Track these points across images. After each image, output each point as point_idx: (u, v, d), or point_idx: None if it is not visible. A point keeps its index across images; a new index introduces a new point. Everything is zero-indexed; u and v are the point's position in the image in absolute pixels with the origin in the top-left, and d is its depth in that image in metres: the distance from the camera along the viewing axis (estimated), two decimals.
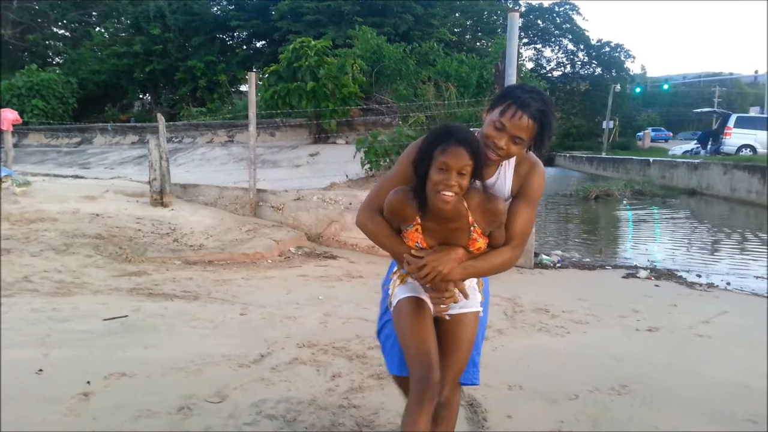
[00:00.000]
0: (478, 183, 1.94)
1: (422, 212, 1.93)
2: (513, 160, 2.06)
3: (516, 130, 1.89)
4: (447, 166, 1.82)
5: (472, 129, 2.04)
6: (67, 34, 29.00)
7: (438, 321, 2.09)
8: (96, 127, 18.02)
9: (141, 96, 27.14)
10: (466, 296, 2.03)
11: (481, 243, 1.97)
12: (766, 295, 5.82)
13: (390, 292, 2.17)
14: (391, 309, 2.13)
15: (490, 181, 2.06)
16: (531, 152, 2.08)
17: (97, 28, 27.80)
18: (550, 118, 1.92)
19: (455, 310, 2.07)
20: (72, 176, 11.01)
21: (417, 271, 1.94)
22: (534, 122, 1.89)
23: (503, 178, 2.07)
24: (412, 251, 1.98)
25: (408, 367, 2.01)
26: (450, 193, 1.83)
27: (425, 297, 2.08)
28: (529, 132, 1.90)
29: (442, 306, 2.02)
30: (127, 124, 19.67)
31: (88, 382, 3.18)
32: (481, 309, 2.15)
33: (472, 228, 1.93)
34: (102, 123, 19.17)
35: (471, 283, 2.13)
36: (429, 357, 1.96)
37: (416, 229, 1.97)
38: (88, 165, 13.46)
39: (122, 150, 15.25)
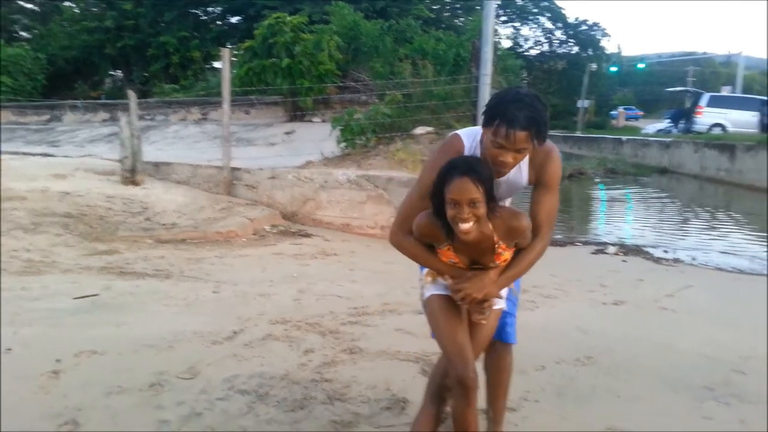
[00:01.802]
0: (501, 199, 2.07)
1: (450, 235, 2.00)
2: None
3: (515, 145, 1.93)
4: (456, 201, 1.88)
5: (471, 129, 2.14)
6: (36, 8, 28.13)
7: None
8: (66, 104, 17.60)
9: (112, 72, 26.50)
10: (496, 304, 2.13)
11: (507, 255, 2.05)
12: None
13: (421, 285, 2.26)
14: (422, 300, 2.24)
15: (506, 177, 2.10)
16: None
17: (67, 3, 27.01)
18: (541, 116, 1.94)
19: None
20: (41, 154, 10.76)
21: (455, 294, 2.04)
22: (528, 132, 1.91)
23: (518, 171, 2.12)
24: (449, 276, 2.09)
25: (448, 366, 2.12)
26: (467, 225, 1.89)
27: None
28: (528, 141, 1.94)
29: (478, 317, 2.13)
30: (98, 101, 19.25)
31: (58, 360, 3.17)
32: (504, 306, 2.24)
33: (497, 246, 2.00)
34: (72, 100, 18.74)
35: None
36: (465, 357, 2.06)
37: (448, 248, 2.04)
38: (58, 143, 13.18)
39: (93, 128, 14.95)
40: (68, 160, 9.60)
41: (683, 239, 8.19)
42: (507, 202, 2.34)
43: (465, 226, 1.89)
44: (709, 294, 5.04)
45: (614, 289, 4.97)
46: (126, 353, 3.34)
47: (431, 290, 2.18)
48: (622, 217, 11.02)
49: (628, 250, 6.72)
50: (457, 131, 2.22)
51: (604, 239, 7.70)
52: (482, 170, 1.91)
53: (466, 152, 2.10)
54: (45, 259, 5.18)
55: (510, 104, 1.92)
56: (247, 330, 3.78)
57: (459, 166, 1.91)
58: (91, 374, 3.05)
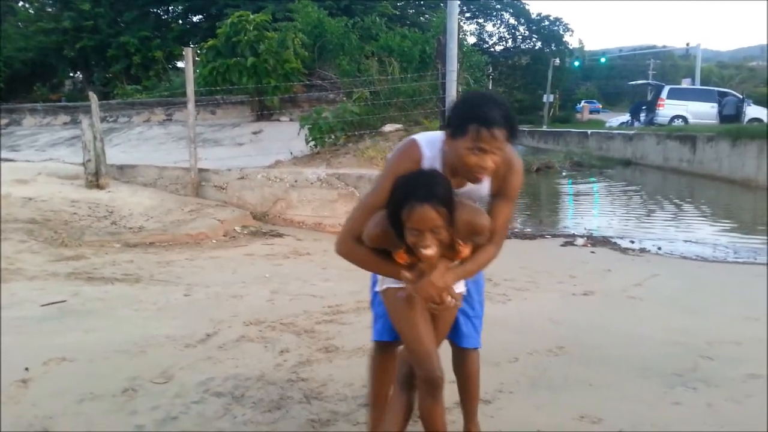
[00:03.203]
0: (462, 195, 1.98)
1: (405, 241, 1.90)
2: None
3: (494, 145, 1.87)
4: (417, 230, 1.80)
5: (429, 136, 2.06)
6: None
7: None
8: (25, 108, 17.15)
9: (72, 74, 25.90)
10: (456, 297, 2.02)
11: (466, 251, 1.99)
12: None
13: (379, 278, 2.18)
14: (379, 291, 2.17)
15: (469, 187, 2.05)
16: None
17: (21, 3, 26.26)
18: (513, 114, 1.93)
19: None
20: (1, 159, 10.48)
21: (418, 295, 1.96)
22: (503, 129, 1.88)
23: (481, 185, 2.07)
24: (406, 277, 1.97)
25: (413, 365, 2.09)
26: (430, 252, 1.83)
27: None
28: (503, 141, 1.90)
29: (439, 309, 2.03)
30: (58, 103, 18.80)
31: (27, 369, 3.10)
32: (464, 289, 2.18)
33: (457, 244, 1.95)
34: (31, 103, 18.26)
35: None
36: (430, 356, 2.02)
37: (404, 250, 1.96)
38: (18, 147, 12.84)
39: (54, 131, 14.60)
40: (30, 164, 9.37)
41: (649, 230, 8.38)
42: None
43: (428, 252, 1.82)
44: (676, 282, 5.17)
45: (583, 280, 5.07)
46: (97, 360, 3.28)
47: (387, 282, 2.10)
48: (590, 209, 11.23)
49: (596, 241, 6.85)
50: (414, 137, 2.12)
51: (573, 231, 7.84)
52: (442, 192, 1.82)
53: (426, 163, 2.01)
54: (10, 266, 5.05)
55: (481, 106, 1.88)
56: (221, 332, 3.74)
57: (418, 191, 1.80)
58: (62, 382, 2.99)
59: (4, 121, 16.69)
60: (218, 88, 11.53)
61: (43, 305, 4.13)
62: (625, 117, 30.29)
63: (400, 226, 1.85)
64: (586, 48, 55.75)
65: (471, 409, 2.46)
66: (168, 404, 2.79)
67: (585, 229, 8.12)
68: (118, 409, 2.74)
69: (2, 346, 3.43)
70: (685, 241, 7.28)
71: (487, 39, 41.84)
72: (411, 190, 1.82)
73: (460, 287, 2.13)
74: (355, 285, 4.85)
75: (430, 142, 2.04)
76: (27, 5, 25.75)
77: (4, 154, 11.44)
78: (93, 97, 8.27)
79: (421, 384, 2.07)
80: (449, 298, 1.97)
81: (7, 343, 3.47)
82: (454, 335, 2.31)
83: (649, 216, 9.90)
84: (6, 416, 2.65)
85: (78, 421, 2.63)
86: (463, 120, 1.89)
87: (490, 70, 34.48)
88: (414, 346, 2.06)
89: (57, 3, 23.96)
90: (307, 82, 12.61)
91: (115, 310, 4.14)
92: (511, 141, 1.94)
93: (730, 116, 21.46)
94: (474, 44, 33.46)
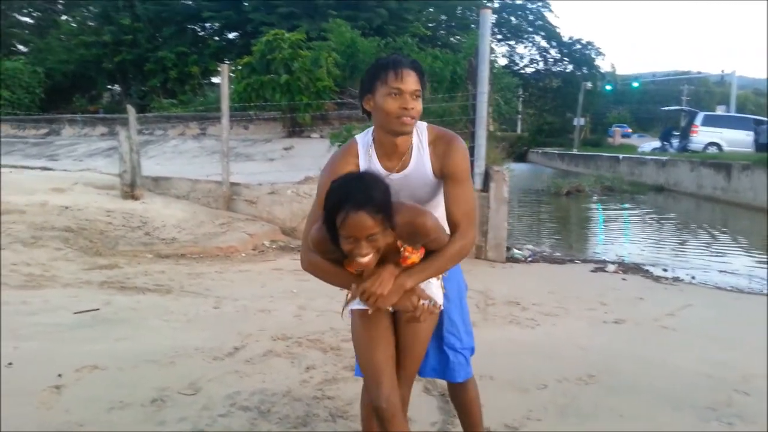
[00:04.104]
0: (405, 179, 1.94)
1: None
2: (425, 141, 2.02)
3: (409, 85, 1.88)
4: (352, 237, 1.68)
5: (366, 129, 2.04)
6: (33, 22, 28.27)
7: (396, 316, 2.03)
8: (64, 118, 17.66)
9: (110, 87, 26.63)
10: (426, 298, 1.91)
11: (415, 257, 1.87)
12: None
13: (346, 299, 2.08)
14: (347, 313, 2.08)
15: (409, 169, 2.01)
16: (443, 128, 2.07)
17: (64, 17, 27.17)
18: (420, 64, 1.96)
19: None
20: (40, 168, 10.77)
21: (362, 298, 1.83)
22: (415, 71, 1.91)
23: (421, 163, 2.01)
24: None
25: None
26: (367, 259, 1.72)
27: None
28: (418, 83, 1.91)
29: (416, 316, 1.91)
30: (97, 115, 19.30)
31: (60, 375, 3.16)
32: (439, 303, 2.05)
33: (402, 249, 1.84)
34: (70, 114, 18.78)
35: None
36: (379, 383, 1.91)
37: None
38: (57, 157, 13.19)
39: (91, 142, 14.97)
40: (67, 174, 9.61)
41: (682, 258, 8.21)
42: (438, 208, 2.07)
43: (364, 260, 1.71)
44: (710, 313, 5.05)
45: (614, 307, 4.98)
46: (127, 368, 3.33)
47: (354, 304, 1.99)
48: (621, 235, 11.05)
49: (628, 268, 6.73)
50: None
51: (603, 257, 7.72)
52: (379, 196, 1.69)
53: (360, 149, 2.02)
54: (45, 273, 5.17)
55: (385, 59, 1.94)
56: (248, 346, 3.77)
57: (352, 196, 1.66)
58: (93, 389, 3.04)
59: (44, 130, 17.19)
60: (252, 104, 11.71)
61: (76, 313, 4.22)
62: (659, 142, 29.90)
63: (335, 232, 1.73)
64: (618, 72, 55.27)
65: None
66: (195, 416, 2.81)
67: (616, 255, 7.99)
68: (146, 419, 2.77)
69: (37, 351, 3.50)
70: (720, 271, 7.10)
71: (518, 61, 41.78)
72: (345, 196, 1.68)
73: (438, 299, 2.02)
74: None
75: (363, 134, 2.07)
76: (70, 19, 26.63)
77: (43, 163, 11.76)
78: (131, 109, 8.48)
79: (373, 411, 1.95)
80: (421, 301, 1.85)
81: (41, 349, 3.54)
82: (446, 373, 2.20)
83: (682, 244, 9.70)
84: (38, 422, 2.70)
85: (107, 430, 2.67)
86: (372, 76, 1.93)
87: (521, 92, 34.46)
88: (364, 369, 1.98)
89: (99, 17, 24.72)
90: (339, 100, 12.74)
91: (146, 320, 4.20)
92: (423, 88, 1.92)
93: (767, 145, 21.02)
94: (505, 66, 33.46)
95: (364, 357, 1.98)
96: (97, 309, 4.32)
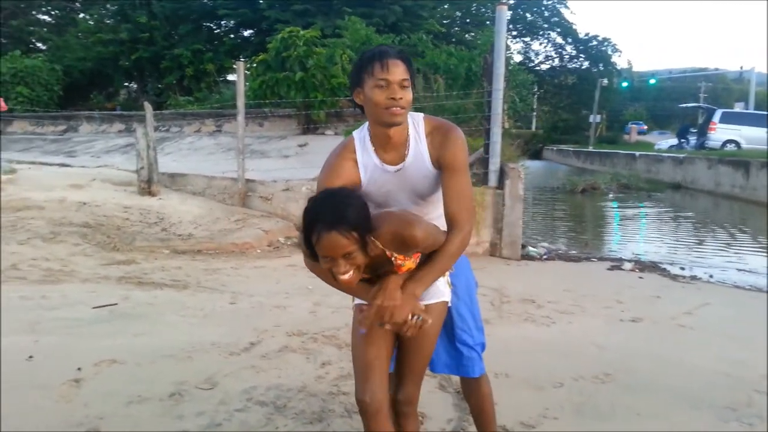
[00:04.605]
0: (403, 171, 1.92)
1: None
2: (422, 132, 1.98)
3: (396, 75, 1.86)
4: (328, 256, 1.67)
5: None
6: (51, 20, 28.59)
7: None
8: (82, 115, 17.83)
9: (127, 84, 26.88)
10: (418, 312, 1.84)
11: (409, 264, 1.84)
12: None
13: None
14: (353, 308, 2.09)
15: (408, 161, 1.97)
16: (441, 119, 2.04)
17: (82, 15, 27.44)
18: (406, 53, 1.93)
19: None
20: (58, 164, 10.90)
21: (375, 320, 1.81)
22: (401, 61, 1.88)
23: (419, 155, 1.97)
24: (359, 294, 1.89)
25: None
26: (347, 277, 1.70)
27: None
28: (405, 72, 1.88)
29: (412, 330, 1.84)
30: (114, 112, 19.49)
31: (79, 369, 3.20)
32: (445, 300, 2.04)
33: (393, 259, 1.80)
34: (88, 111, 18.98)
35: None
36: (366, 378, 1.89)
37: None
38: (74, 153, 13.33)
39: (108, 138, 15.12)
40: (85, 170, 9.71)
41: (700, 256, 8.13)
42: (436, 204, 2.07)
43: (344, 277, 1.70)
44: (728, 312, 4.99)
45: (631, 306, 4.94)
46: (145, 363, 3.36)
47: (358, 300, 2.01)
48: (637, 232, 10.96)
49: (644, 266, 6.67)
50: None
51: (620, 255, 7.65)
52: (352, 214, 1.67)
53: (357, 144, 1.99)
54: (64, 269, 5.24)
55: (374, 50, 1.91)
56: (264, 341, 3.79)
57: (324, 215, 1.65)
58: (112, 383, 3.08)
59: (62, 127, 17.38)
60: (267, 101, 11.75)
61: (94, 307, 4.27)
62: (675, 140, 29.57)
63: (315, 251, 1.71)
64: (635, 69, 54.83)
65: None
66: (212, 411, 2.83)
67: (632, 253, 7.93)
68: (164, 413, 2.80)
69: (56, 345, 3.55)
70: (739, 270, 7.02)
71: (533, 57, 41.57)
72: (315, 216, 1.68)
73: (436, 297, 1.99)
74: None
75: (360, 129, 2.04)
76: (88, 17, 26.90)
77: (61, 160, 11.90)
78: (148, 106, 8.54)
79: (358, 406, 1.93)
80: (412, 317, 1.81)
81: (60, 343, 3.59)
82: (459, 368, 2.20)
83: (700, 242, 9.60)
84: (58, 415, 2.74)
85: (126, 423, 2.70)
86: (359, 69, 1.91)
87: (536, 89, 34.25)
88: (355, 364, 1.97)
89: (116, 15, 24.95)
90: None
91: (164, 315, 4.24)
92: (412, 76, 1.89)
93: None
94: (520, 63, 33.28)
95: (356, 351, 1.98)
96: (115, 304, 4.37)
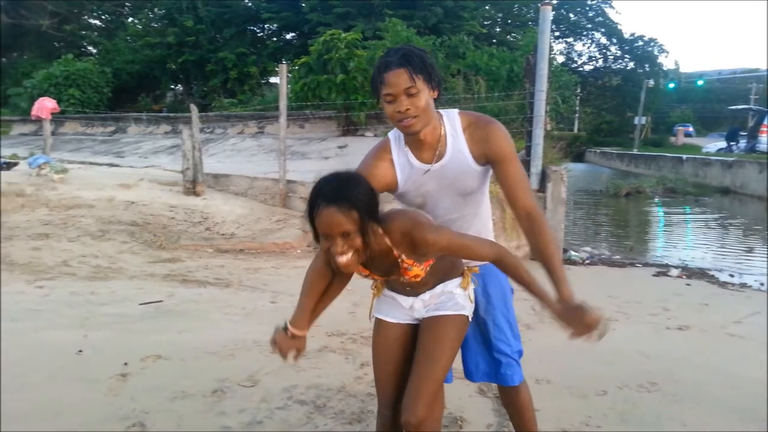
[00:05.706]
0: (442, 170, 1.91)
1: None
2: (459, 128, 1.94)
3: (398, 87, 1.80)
4: (326, 234, 1.66)
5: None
6: (102, 24, 29.51)
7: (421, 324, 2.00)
8: (130, 117, 18.34)
9: (173, 86, 27.50)
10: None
11: (417, 270, 1.82)
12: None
13: (371, 302, 2.13)
14: (371, 320, 2.12)
15: (446, 159, 1.93)
16: (476, 112, 2.00)
17: (131, 19, 28.24)
18: (414, 52, 1.84)
19: (431, 312, 1.96)
20: (107, 164, 11.25)
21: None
22: (402, 68, 1.79)
23: (458, 151, 1.93)
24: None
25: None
26: (344, 259, 1.67)
27: (394, 318, 2.03)
28: (408, 79, 1.79)
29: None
30: (161, 114, 19.97)
31: (126, 364, 3.29)
32: (465, 314, 1.98)
33: (400, 260, 1.79)
34: (136, 113, 19.50)
35: (446, 288, 1.96)
36: (386, 389, 1.95)
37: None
38: (123, 154, 13.73)
39: (155, 139, 15.51)
40: (133, 170, 9.99)
41: (750, 263, 7.85)
42: (482, 204, 2.09)
43: (341, 259, 1.67)
44: None
45: (678, 313, 4.81)
46: (189, 359, 3.43)
47: (376, 311, 2.06)
48: (684, 238, 10.66)
49: (692, 273, 6.48)
50: None
51: (666, 261, 7.46)
52: (356, 193, 1.63)
53: (393, 145, 1.98)
54: (112, 266, 5.40)
55: (379, 62, 1.86)
56: None
57: (325, 192, 1.63)
58: (157, 379, 3.15)
59: (111, 128, 17.91)
60: (308, 103, 11.87)
61: (141, 304, 4.38)
62: (723, 143, 28.64)
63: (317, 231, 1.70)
64: (682, 70, 53.38)
65: None
66: (254, 408, 2.88)
67: (679, 259, 7.71)
68: (207, 410, 2.85)
69: (104, 340, 3.65)
70: None
71: (576, 58, 40.85)
72: (320, 191, 1.65)
73: (452, 309, 1.95)
74: None
75: (395, 129, 2.00)
76: (136, 21, 27.67)
77: (110, 160, 12.26)
78: (193, 108, 8.74)
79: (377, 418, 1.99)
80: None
81: (108, 338, 3.70)
82: (498, 377, 2.17)
83: (749, 249, 9.27)
84: (104, 408, 2.82)
85: (170, 418, 2.76)
86: (371, 83, 1.89)
87: (578, 90, 33.67)
88: (376, 377, 2.04)
89: (163, 19, 25.58)
90: None
91: (207, 312, 4.32)
92: (423, 77, 1.81)
93: None
94: (562, 63, 32.77)
95: (374, 365, 2.04)
96: (161, 301, 4.48)
